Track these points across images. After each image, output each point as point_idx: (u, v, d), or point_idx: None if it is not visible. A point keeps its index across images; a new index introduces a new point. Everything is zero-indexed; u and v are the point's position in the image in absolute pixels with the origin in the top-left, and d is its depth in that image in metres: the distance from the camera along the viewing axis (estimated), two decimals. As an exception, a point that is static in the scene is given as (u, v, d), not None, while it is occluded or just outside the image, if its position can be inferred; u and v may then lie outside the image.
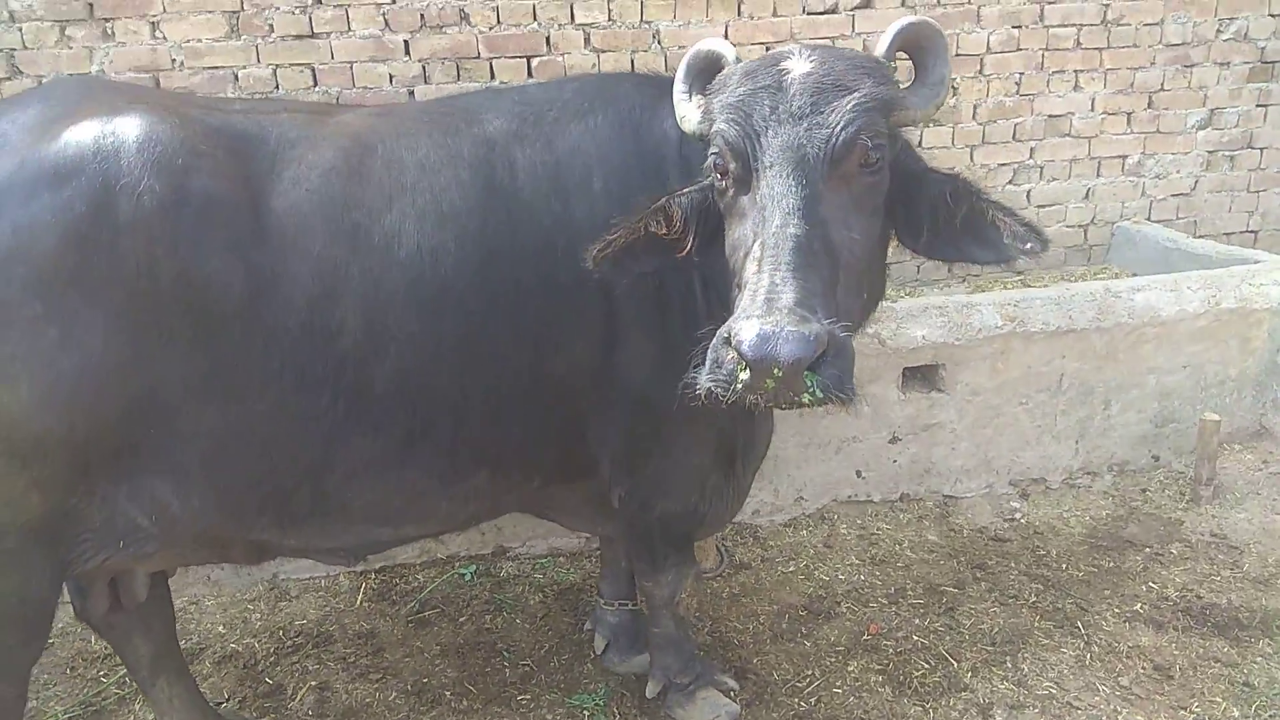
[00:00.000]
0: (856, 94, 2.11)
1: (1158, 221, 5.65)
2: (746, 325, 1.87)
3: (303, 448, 2.38)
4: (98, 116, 2.19)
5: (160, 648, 2.87)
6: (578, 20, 4.83)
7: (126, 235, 2.12)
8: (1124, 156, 5.56)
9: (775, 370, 1.83)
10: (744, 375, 1.88)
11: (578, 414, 2.68)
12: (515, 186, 2.53)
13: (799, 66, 2.17)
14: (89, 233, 2.10)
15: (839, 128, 2.07)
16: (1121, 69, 5.39)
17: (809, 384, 1.85)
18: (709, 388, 1.95)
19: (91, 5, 4.44)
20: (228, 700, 3.30)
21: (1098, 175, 5.56)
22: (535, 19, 4.79)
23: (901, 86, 2.24)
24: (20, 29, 4.42)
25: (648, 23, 4.89)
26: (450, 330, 2.42)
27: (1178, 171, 5.64)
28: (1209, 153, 5.65)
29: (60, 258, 2.09)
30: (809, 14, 5.01)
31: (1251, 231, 5.83)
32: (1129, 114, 5.48)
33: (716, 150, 2.20)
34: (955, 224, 2.30)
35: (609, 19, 4.85)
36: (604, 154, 2.60)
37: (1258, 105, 5.61)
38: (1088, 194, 5.58)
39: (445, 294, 2.40)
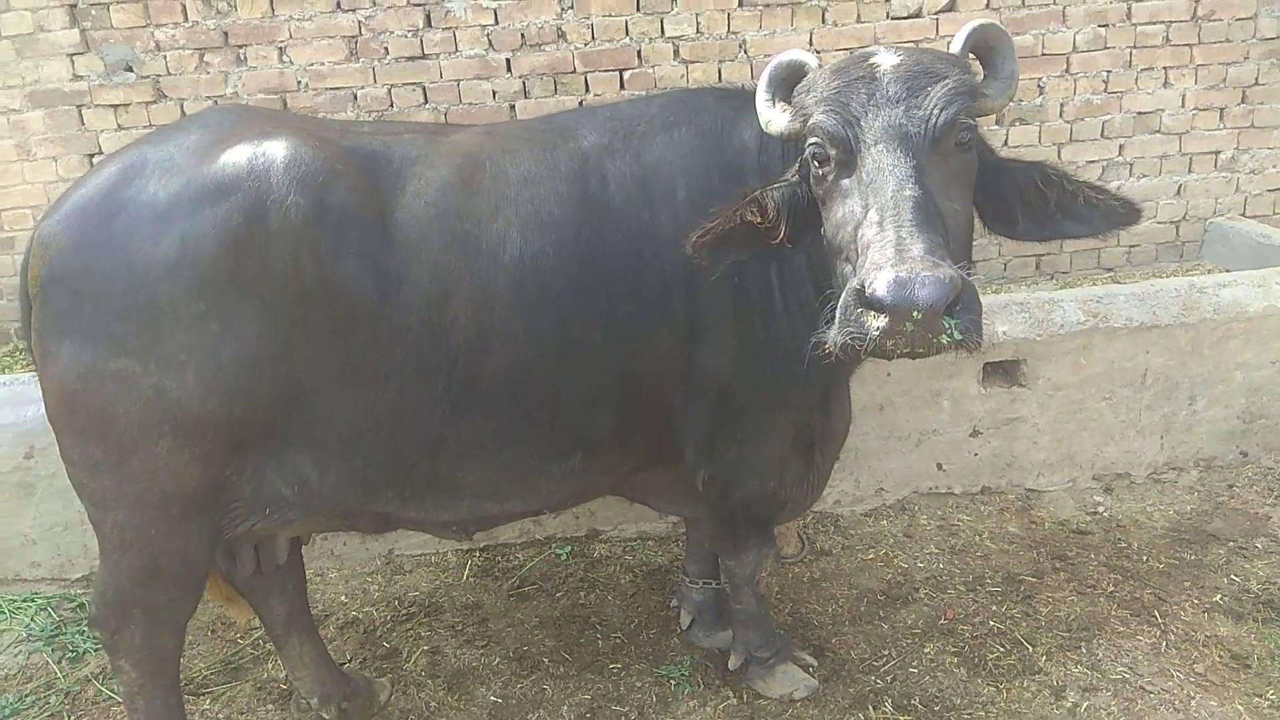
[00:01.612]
0: (949, 79, 2.30)
1: (1253, 218, 5.58)
2: (881, 274, 1.98)
3: (421, 429, 2.68)
4: (250, 140, 2.53)
5: (293, 609, 3.23)
6: (667, 34, 5.08)
7: (276, 243, 2.45)
8: (1217, 152, 5.51)
9: (915, 314, 1.94)
10: (880, 323, 1.99)
11: (664, 405, 2.92)
12: (606, 196, 2.78)
13: (887, 59, 2.36)
14: (244, 241, 2.44)
15: (937, 109, 2.25)
16: (1213, 64, 5.34)
17: (946, 326, 1.97)
18: (843, 341, 2.07)
19: (226, 34, 4.90)
20: (349, 661, 3.65)
21: (1189, 171, 5.53)
22: (627, 34, 5.07)
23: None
24: (165, 56, 4.92)
25: (734, 33, 5.11)
26: (549, 328, 2.69)
27: (1274, 167, 5.56)
28: (1307, 147, 5.55)
29: (220, 263, 2.43)
30: (893, 19, 5.15)
31: (1354, 227, 5.69)
32: (1222, 109, 5.43)
33: (816, 140, 2.36)
34: (1050, 208, 2.47)
35: (697, 31, 5.09)
36: (687, 165, 2.82)
37: (1360, 97, 5.48)
38: (1179, 190, 5.55)
39: (545, 295, 2.66)
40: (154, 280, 2.43)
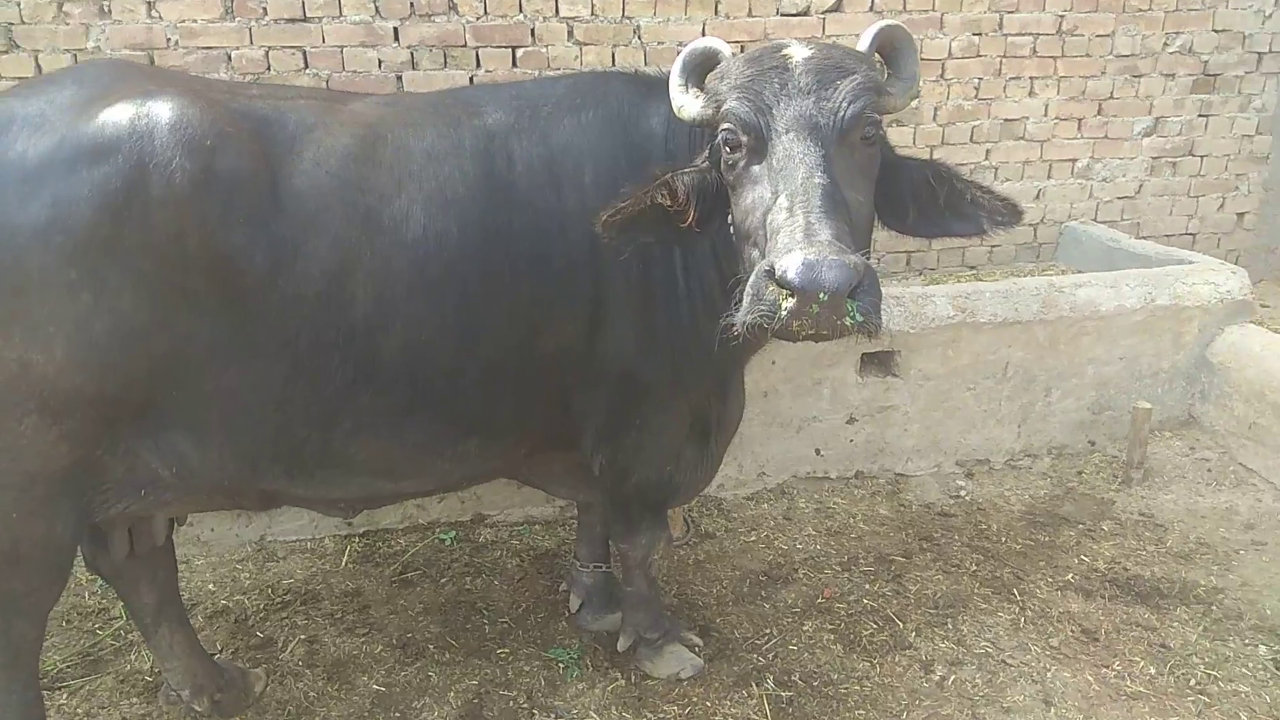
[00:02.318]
0: (857, 75, 2.37)
1: (1104, 222, 5.99)
2: (791, 257, 2.04)
3: (314, 405, 2.58)
4: (132, 99, 2.37)
5: (163, 596, 3.06)
6: (562, 14, 5.03)
7: (158, 209, 2.30)
8: (1074, 160, 5.89)
9: (821, 295, 2.01)
10: (788, 304, 2.05)
11: (564, 388, 2.91)
12: (513, 177, 2.74)
13: (799, 52, 2.42)
14: (123, 206, 2.28)
15: (845, 102, 2.32)
16: (1074, 77, 5.71)
17: (849, 309, 2.05)
18: (752, 321, 2.12)
19: (89, -18, 4.56)
20: (220, 651, 3.49)
21: (1049, 177, 5.89)
22: (521, 11, 4.99)
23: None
24: (19, 4, 4.53)
25: (629, 18, 5.11)
26: (451, 308, 2.63)
27: (1124, 175, 5.99)
28: (1153, 159, 5.99)
29: (95, 229, 2.27)
30: (782, 15, 5.26)
31: (1190, 234, 6.20)
32: (1080, 120, 5.81)
33: (729, 125, 2.39)
34: (939, 203, 2.58)
35: (592, 13, 5.06)
36: (595, 148, 2.81)
37: (1199, 115, 5.97)
38: (1039, 195, 5.91)
39: (447, 275, 2.61)
40: (21, 245, 2.25)
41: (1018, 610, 3.74)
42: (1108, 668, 3.43)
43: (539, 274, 2.73)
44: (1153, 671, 3.40)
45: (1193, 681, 3.35)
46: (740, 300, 2.19)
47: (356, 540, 4.16)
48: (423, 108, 2.87)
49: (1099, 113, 5.81)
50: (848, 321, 2.07)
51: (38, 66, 4.58)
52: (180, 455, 2.55)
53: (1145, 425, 4.51)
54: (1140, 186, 6.04)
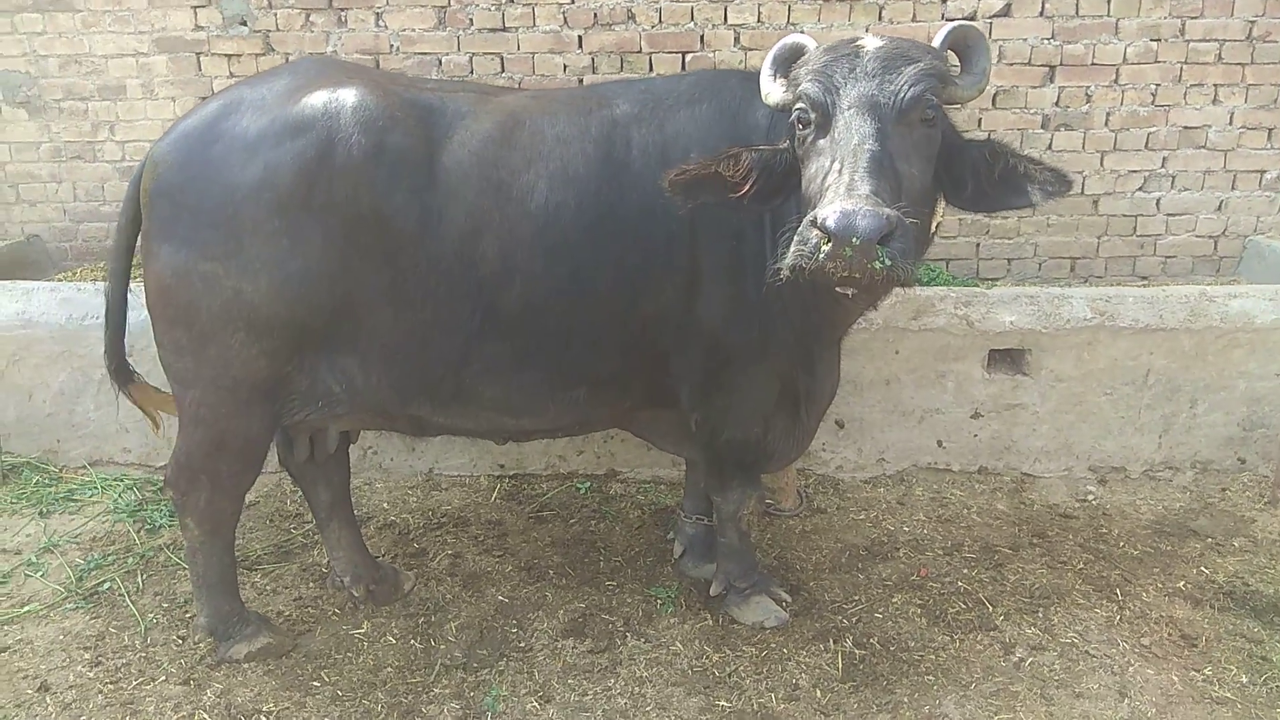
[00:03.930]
0: (920, 63, 2.66)
1: (1295, 238, 5.66)
2: (830, 206, 2.36)
3: (449, 347, 3.14)
4: (326, 88, 3.02)
5: (337, 497, 3.73)
6: (730, 21, 5.42)
7: (340, 175, 2.93)
8: (1262, 171, 5.60)
9: (854, 239, 2.31)
10: (826, 247, 2.34)
11: (662, 349, 3.31)
12: (629, 159, 3.17)
13: (872, 43, 2.73)
14: (315, 172, 2.92)
15: (906, 85, 2.61)
16: (1265, 85, 5.43)
17: (879, 254, 2.33)
18: (794, 262, 2.43)
19: (331, -3, 5.44)
20: (383, 555, 4.15)
21: (1233, 188, 5.62)
22: (692, 19, 5.42)
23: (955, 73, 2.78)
24: (276, 14, 5.47)
25: (794, 24, 5.42)
26: (564, 271, 3.10)
27: (1320, 189, 5.62)
28: (1357, 172, 5.59)
29: (295, 189, 2.92)
30: (947, 19, 5.38)
31: (1404, 255, 5.70)
32: (1270, 129, 5.52)
33: (802, 105, 2.72)
34: (994, 178, 2.81)
35: (758, 20, 5.41)
36: (703, 136, 3.19)
37: None
38: (1220, 206, 5.65)
39: (563, 241, 3.08)
40: (240, 199, 2.94)
41: (1116, 609, 3.75)
42: (1198, 671, 3.41)
43: (644, 245, 3.14)
44: (1245, 680, 3.35)
45: (1288, 695, 3.28)
46: (788, 247, 2.50)
47: (506, 481, 4.75)
48: (564, 99, 3.36)
49: (1293, 122, 5.50)
50: (878, 265, 2.34)
51: (287, 67, 5.50)
52: (349, 376, 3.18)
53: (1297, 445, 4.32)
54: (1341, 202, 5.64)
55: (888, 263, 2.34)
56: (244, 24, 5.50)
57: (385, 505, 4.58)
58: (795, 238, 2.47)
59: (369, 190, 2.96)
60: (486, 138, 3.09)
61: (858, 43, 2.74)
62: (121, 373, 3.49)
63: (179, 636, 3.61)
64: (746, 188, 2.82)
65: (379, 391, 3.22)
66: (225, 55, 5.57)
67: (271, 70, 3.33)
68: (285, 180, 2.92)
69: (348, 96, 2.99)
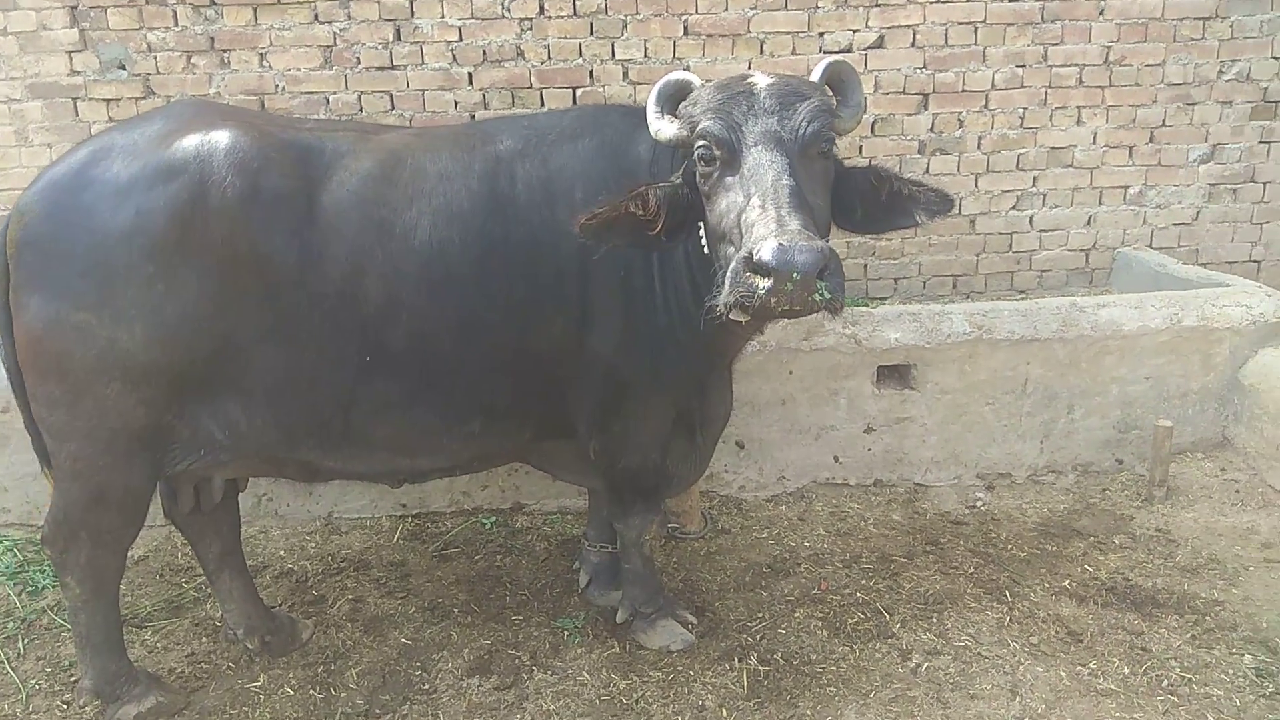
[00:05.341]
0: (813, 99, 2.79)
1: (1160, 249, 6.01)
2: (766, 243, 2.40)
3: (336, 386, 3.11)
4: (199, 131, 2.98)
5: (226, 547, 3.63)
6: (618, 57, 5.55)
7: (215, 218, 2.89)
8: (1125, 187, 5.95)
9: (794, 275, 2.37)
10: (765, 284, 2.39)
11: (557, 380, 3.34)
12: (514, 194, 3.21)
13: (762, 80, 2.83)
14: (189, 215, 2.88)
15: (805, 121, 2.73)
16: (1123, 105, 5.79)
17: (819, 288, 2.40)
18: (733, 300, 2.47)
19: (213, 39, 5.37)
20: (279, 605, 4.04)
21: (1100, 204, 5.97)
22: (581, 55, 5.53)
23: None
24: (155, 57, 5.38)
25: (679, 59, 5.56)
26: (451, 306, 3.11)
27: (1179, 202, 6.00)
28: (1211, 186, 5.98)
29: (168, 233, 2.87)
30: (825, 52, 5.60)
31: (1255, 261, 6.12)
32: (1130, 147, 5.87)
33: (704, 142, 2.78)
34: (881, 201, 2.96)
35: (645, 55, 5.55)
36: (586, 170, 3.25)
37: (1260, 142, 5.92)
38: (1089, 220, 5.99)
39: (449, 276, 3.09)
40: (112, 246, 2.87)
41: (1006, 610, 3.90)
42: (1083, 666, 3.56)
43: (532, 278, 3.18)
44: (1126, 671, 3.51)
45: (1165, 683, 3.44)
46: (721, 285, 2.56)
47: (409, 520, 4.69)
48: (446, 136, 3.39)
49: (1150, 140, 5.87)
50: (817, 298, 2.43)
51: (168, 110, 5.40)
52: (232, 422, 3.11)
53: (1166, 443, 4.56)
54: (1198, 213, 6.02)
55: (827, 295, 2.43)
56: (122, 68, 5.39)
57: (282, 553, 4.48)
58: (730, 275, 2.51)
59: (245, 232, 2.92)
60: (367, 176, 3.09)
61: (749, 80, 2.84)
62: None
63: (63, 702, 3.46)
64: (660, 225, 2.87)
65: (265, 436, 3.16)
66: (103, 100, 5.44)
67: (144, 114, 3.27)
68: (158, 225, 2.87)
69: (221, 139, 2.96)
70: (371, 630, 3.87)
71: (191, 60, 5.38)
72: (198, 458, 3.18)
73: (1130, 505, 4.68)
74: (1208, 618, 3.78)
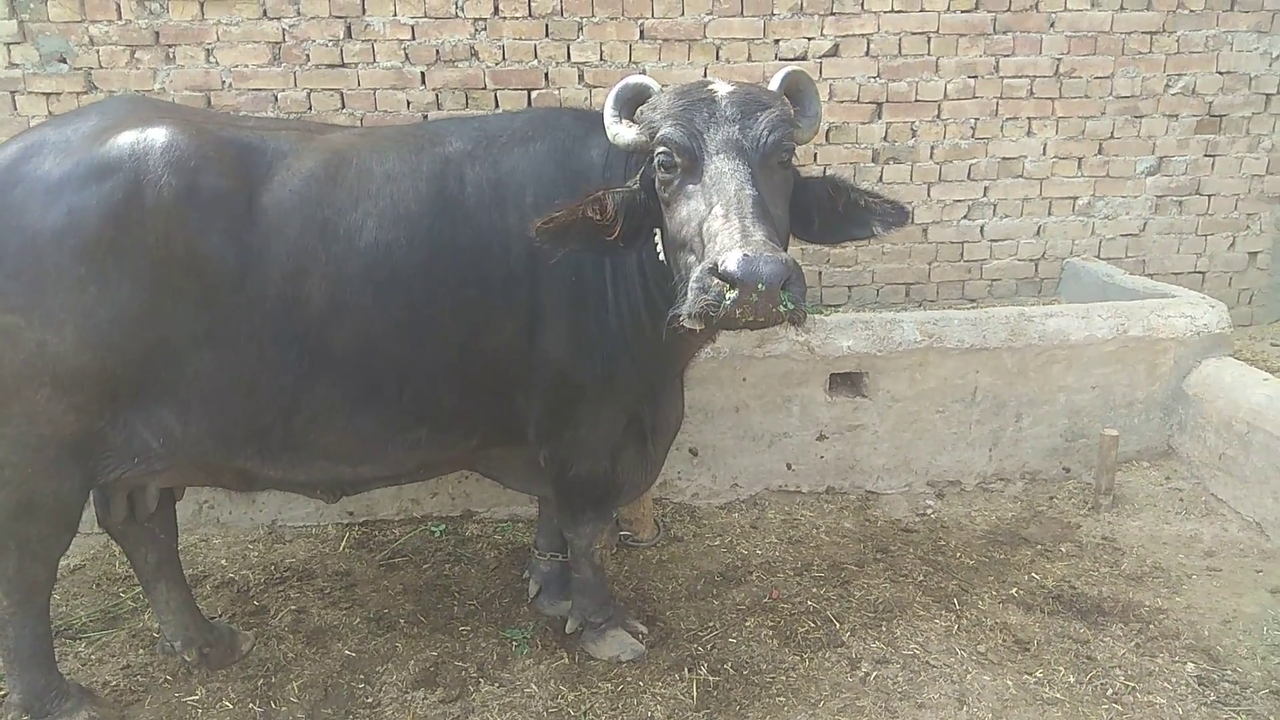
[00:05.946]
0: (775, 109, 2.76)
1: (1108, 259, 6.10)
2: (732, 254, 2.38)
3: (276, 391, 3.02)
4: (135, 128, 2.88)
5: (163, 556, 3.52)
6: (573, 59, 5.50)
7: (150, 217, 2.79)
8: (1074, 198, 6.04)
9: (759, 285, 2.36)
10: (731, 294, 2.37)
11: (506, 385, 3.28)
12: (463, 196, 3.15)
13: (723, 88, 2.80)
14: (123, 215, 2.78)
15: (766, 130, 2.70)
16: (1073, 117, 5.88)
17: (783, 299, 2.39)
18: (698, 310, 2.43)
19: (158, 33, 5.23)
20: (220, 616, 3.93)
21: (1049, 214, 6.05)
22: (536, 57, 5.47)
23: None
24: (98, 51, 5.22)
25: (635, 63, 5.53)
26: (397, 308, 3.04)
27: (1127, 213, 6.10)
28: (1158, 197, 6.09)
29: (101, 233, 2.77)
30: (780, 59, 5.61)
31: (1199, 272, 6.24)
32: (1080, 159, 5.96)
33: (665, 149, 2.74)
34: (838, 212, 2.95)
35: (600, 58, 5.51)
36: (537, 173, 3.20)
37: (1205, 155, 6.05)
38: (1039, 230, 6.06)
39: (394, 278, 3.02)
40: (42, 246, 2.76)
41: (954, 618, 3.91)
42: (1030, 674, 3.58)
43: (481, 281, 3.12)
44: (1072, 680, 3.53)
45: (1110, 691, 3.47)
46: (685, 296, 2.51)
47: (355, 529, 4.60)
48: (393, 137, 3.31)
49: (1099, 152, 5.96)
50: (781, 309, 2.41)
51: (110, 105, 5.25)
52: (167, 429, 3.01)
53: (1112, 452, 4.62)
54: (1145, 225, 6.13)
55: (791, 306, 2.42)
56: (63, 61, 5.23)
57: (223, 562, 4.36)
58: (694, 285, 2.47)
59: (181, 232, 2.83)
60: (310, 176, 3.01)
61: (709, 87, 2.81)
62: None
63: (-11, 719, 3.33)
64: (617, 231, 2.82)
65: (201, 443, 3.06)
66: (43, 94, 5.28)
67: (78, 110, 3.16)
68: (91, 225, 2.76)
69: (157, 136, 2.86)
70: (314, 642, 3.78)
71: (135, 55, 5.24)
72: (131, 465, 3.07)
73: (1077, 513, 4.74)
74: (1151, 626, 3.83)
